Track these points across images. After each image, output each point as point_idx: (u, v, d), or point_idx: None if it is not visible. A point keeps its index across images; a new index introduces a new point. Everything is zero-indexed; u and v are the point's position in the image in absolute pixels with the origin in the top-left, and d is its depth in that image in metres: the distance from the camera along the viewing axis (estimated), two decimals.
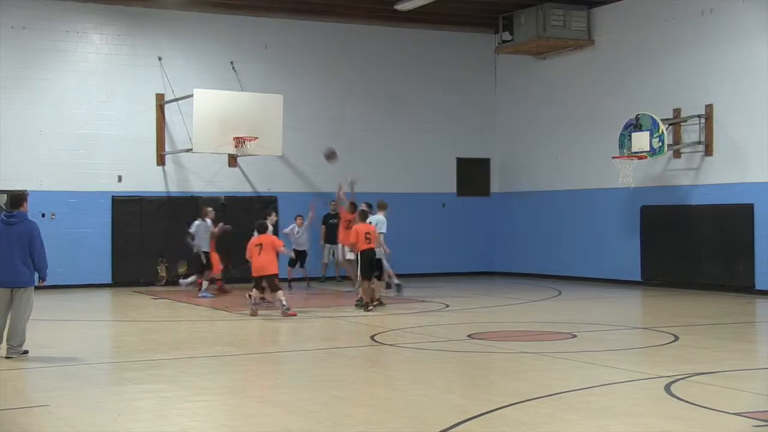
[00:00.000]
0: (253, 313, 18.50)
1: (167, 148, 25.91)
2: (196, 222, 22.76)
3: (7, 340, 13.24)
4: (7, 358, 13.08)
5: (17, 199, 13.70)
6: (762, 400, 10.30)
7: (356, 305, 19.50)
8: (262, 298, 19.21)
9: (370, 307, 19.09)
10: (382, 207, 20.64)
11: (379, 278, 19.90)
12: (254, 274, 18.85)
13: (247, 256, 19.08)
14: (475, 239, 29.40)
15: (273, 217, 22.68)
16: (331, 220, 25.27)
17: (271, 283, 18.41)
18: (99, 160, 25.20)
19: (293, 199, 26.06)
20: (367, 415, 9.69)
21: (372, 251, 19.36)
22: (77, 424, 9.39)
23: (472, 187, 29.58)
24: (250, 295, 19.04)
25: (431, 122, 29.05)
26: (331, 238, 25.22)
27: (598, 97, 26.55)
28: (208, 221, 22.62)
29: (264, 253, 18.40)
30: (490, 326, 17.15)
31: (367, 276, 19.24)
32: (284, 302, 18.29)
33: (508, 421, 9.24)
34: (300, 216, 24.81)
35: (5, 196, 16.19)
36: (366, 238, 19.27)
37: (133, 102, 25.64)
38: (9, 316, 13.23)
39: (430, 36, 28.94)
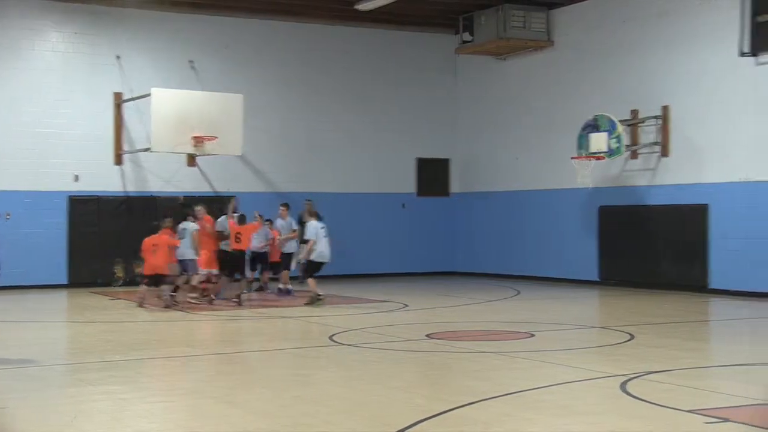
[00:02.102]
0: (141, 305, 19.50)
1: (125, 148, 25.80)
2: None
3: None
4: None
5: None
6: (714, 397, 10.46)
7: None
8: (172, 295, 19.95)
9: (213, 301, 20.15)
10: (311, 214, 20.87)
11: (238, 279, 20.69)
12: (148, 272, 19.65)
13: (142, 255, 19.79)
14: (435, 239, 29.60)
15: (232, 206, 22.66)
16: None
17: (163, 280, 19.44)
18: (55, 159, 25.10)
19: (253, 198, 25.80)
20: (326, 415, 9.66)
21: (240, 251, 20.28)
22: (33, 425, 9.34)
23: (432, 187, 29.75)
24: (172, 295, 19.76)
25: (391, 122, 29.24)
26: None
27: (557, 97, 26.79)
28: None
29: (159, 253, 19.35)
30: (448, 326, 17.23)
31: (227, 274, 20.53)
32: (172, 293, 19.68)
33: (466, 420, 9.27)
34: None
35: None
36: (236, 239, 20.14)
37: (90, 101, 25.54)
38: None
39: (390, 36, 29.10)
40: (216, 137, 24.06)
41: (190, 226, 20.63)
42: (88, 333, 17.19)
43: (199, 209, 21.57)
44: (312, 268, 20.54)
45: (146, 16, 26.10)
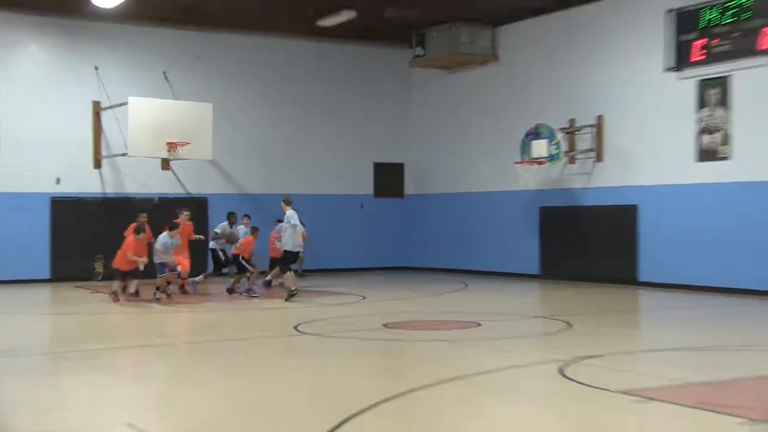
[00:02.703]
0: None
1: (104, 152, 25.67)
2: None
3: None
4: None
5: None
6: (642, 379, 10.50)
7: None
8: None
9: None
10: (288, 203, 20.41)
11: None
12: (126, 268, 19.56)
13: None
14: (391, 237, 29.58)
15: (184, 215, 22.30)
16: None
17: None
18: (38, 163, 24.88)
19: (224, 200, 25.97)
20: (289, 398, 9.82)
21: (235, 256, 20.63)
22: (15, 413, 9.14)
23: (388, 189, 29.82)
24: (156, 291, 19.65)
25: (350, 130, 29.26)
26: None
27: (501, 108, 26.85)
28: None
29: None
30: (403, 316, 17.14)
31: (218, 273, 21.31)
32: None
33: (420, 402, 9.36)
34: (247, 216, 23.99)
35: None
36: (237, 246, 20.73)
37: (70, 109, 25.40)
38: None
39: (349, 50, 29.11)
40: (188, 143, 24.13)
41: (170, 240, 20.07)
42: (68, 324, 17.05)
43: (185, 214, 21.55)
44: (290, 259, 20.15)
45: (122, 29, 25.95)
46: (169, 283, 20.03)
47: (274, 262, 23.08)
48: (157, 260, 19.74)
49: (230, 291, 21.18)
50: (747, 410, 8.67)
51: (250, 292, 20.67)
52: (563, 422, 8.69)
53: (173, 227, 20.30)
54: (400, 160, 30.33)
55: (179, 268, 20.54)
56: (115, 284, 19.72)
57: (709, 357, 12.61)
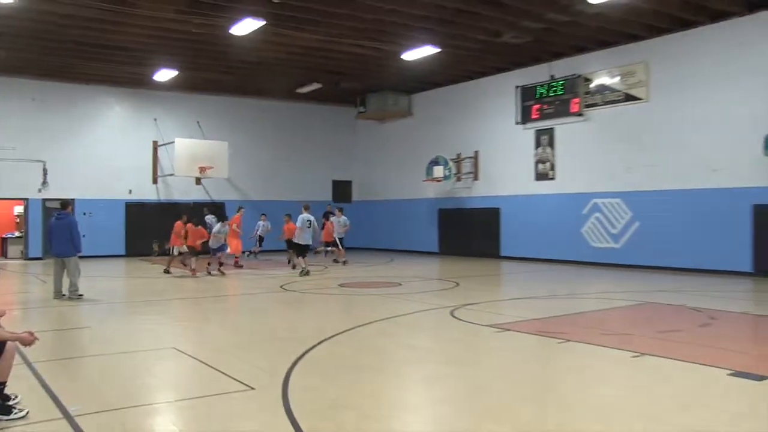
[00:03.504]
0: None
1: (159, 173, 26.04)
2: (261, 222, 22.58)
3: (68, 290, 13.12)
4: (69, 299, 12.99)
5: (65, 203, 13.63)
6: (502, 317, 10.43)
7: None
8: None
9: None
10: (306, 208, 18.74)
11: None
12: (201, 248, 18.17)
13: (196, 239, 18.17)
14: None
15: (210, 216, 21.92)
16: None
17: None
18: (119, 180, 25.24)
19: (235, 204, 25.64)
20: (272, 332, 9.76)
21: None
22: (101, 339, 9.14)
23: (342, 196, 30.03)
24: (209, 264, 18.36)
25: (317, 159, 29.51)
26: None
27: (414, 145, 27.25)
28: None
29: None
30: (352, 279, 16.84)
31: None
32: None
33: (361, 335, 9.20)
34: (264, 214, 24.00)
35: (58, 202, 15.69)
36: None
37: (139, 146, 25.76)
38: (64, 276, 13.20)
39: (317, 108, 29.35)
40: (212, 167, 24.67)
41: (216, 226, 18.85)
42: (136, 284, 16.92)
43: (241, 210, 20.77)
44: (302, 249, 18.29)
45: (172, 95, 26.37)
46: (221, 263, 18.61)
47: (326, 245, 22.06)
48: (212, 244, 18.48)
49: (292, 264, 19.87)
50: (565, 334, 8.86)
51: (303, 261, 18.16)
52: (451, 344, 8.65)
53: (223, 219, 19.54)
54: (349, 178, 30.67)
55: (228, 249, 19.27)
56: (192, 260, 18.11)
57: (545, 303, 12.53)
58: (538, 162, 22.59)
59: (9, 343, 5.53)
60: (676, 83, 18.80)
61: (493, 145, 24.09)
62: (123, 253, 25.40)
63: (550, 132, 22.16)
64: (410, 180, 27.39)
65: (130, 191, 25.83)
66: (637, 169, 19.70)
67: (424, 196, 26.51)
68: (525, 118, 22.82)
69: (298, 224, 18.19)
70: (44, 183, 24.23)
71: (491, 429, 5.21)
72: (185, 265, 18.93)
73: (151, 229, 25.39)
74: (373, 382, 6.64)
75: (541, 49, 20.79)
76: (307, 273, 17.79)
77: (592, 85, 20.89)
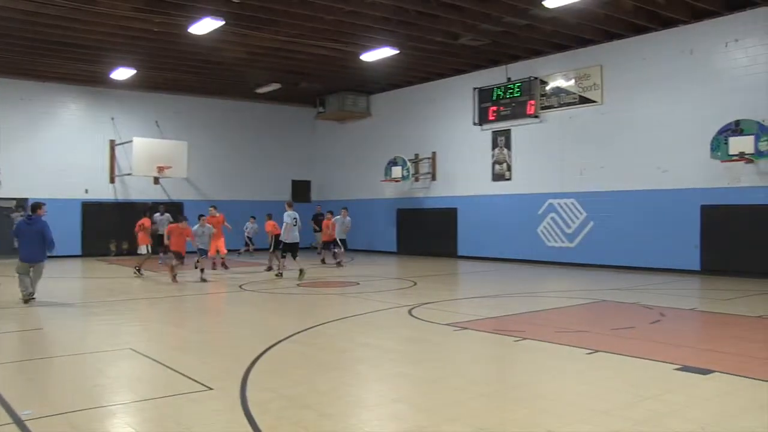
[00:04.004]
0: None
1: (116, 173, 25.73)
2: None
3: (30, 292, 12.78)
4: (26, 301, 12.59)
5: (36, 206, 13.16)
6: (460, 316, 10.47)
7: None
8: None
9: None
10: (289, 205, 17.85)
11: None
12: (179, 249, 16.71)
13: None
14: (304, 225, 28.38)
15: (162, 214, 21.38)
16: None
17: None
18: (74, 179, 24.83)
19: (194, 204, 26.10)
20: (237, 332, 9.66)
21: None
22: (57, 341, 9.09)
23: (301, 196, 29.89)
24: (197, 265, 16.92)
25: (277, 159, 29.45)
26: None
27: (373, 145, 27.31)
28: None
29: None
30: (311, 279, 16.80)
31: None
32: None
33: (320, 333, 9.22)
34: (253, 216, 23.82)
35: (29, 204, 14.91)
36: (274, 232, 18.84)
37: (95, 145, 25.41)
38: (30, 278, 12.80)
39: (277, 108, 29.31)
40: (171, 166, 24.43)
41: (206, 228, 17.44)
42: (92, 284, 16.58)
43: (211, 210, 19.58)
44: (285, 246, 17.42)
45: (130, 94, 26.06)
46: (203, 269, 16.98)
47: (326, 245, 21.40)
48: (199, 245, 17.22)
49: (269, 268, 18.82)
50: (519, 332, 9.00)
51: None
52: (410, 343, 8.70)
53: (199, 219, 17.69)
54: (308, 178, 30.63)
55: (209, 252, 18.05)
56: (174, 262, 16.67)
57: (501, 301, 12.60)
58: (495, 163, 22.73)
59: None
60: (629, 87, 19.19)
61: (450, 146, 24.19)
62: (79, 253, 25.00)
63: (506, 133, 22.33)
64: (369, 180, 27.27)
65: (87, 191, 25.38)
66: (591, 171, 19.98)
67: (382, 196, 26.43)
68: (482, 119, 22.93)
69: (286, 221, 17.21)
70: None
71: (448, 426, 5.23)
72: (173, 271, 16.54)
73: (108, 229, 25.18)
74: (331, 380, 6.65)
75: (499, 51, 21.03)
76: (281, 275, 17.41)
77: (548, 88, 21.16)
